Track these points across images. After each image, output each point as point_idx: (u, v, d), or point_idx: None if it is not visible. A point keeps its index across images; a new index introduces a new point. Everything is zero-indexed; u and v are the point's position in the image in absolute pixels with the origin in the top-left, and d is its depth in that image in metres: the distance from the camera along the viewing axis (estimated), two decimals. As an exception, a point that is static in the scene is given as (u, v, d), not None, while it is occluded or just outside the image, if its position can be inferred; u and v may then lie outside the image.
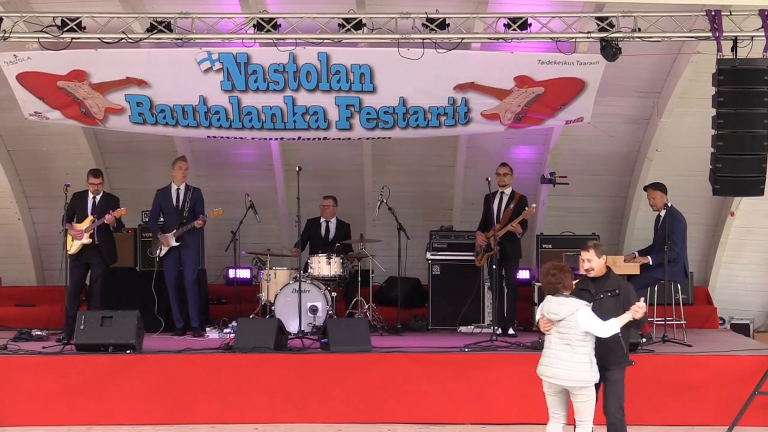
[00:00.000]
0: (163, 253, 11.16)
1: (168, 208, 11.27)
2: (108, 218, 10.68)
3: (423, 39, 10.09)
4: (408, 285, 12.37)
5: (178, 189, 11.29)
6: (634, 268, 10.39)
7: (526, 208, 11.22)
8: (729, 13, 9.77)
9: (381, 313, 11.76)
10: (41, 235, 13.39)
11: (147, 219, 11.65)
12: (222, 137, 11.65)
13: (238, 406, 9.15)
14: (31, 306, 12.61)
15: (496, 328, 10.54)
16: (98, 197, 10.95)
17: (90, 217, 10.80)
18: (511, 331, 11.06)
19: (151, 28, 10.11)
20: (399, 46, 10.13)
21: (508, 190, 11.45)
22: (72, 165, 12.73)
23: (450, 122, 11.26)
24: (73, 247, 10.71)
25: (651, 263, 10.42)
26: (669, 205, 10.64)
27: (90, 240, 10.72)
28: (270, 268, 11.47)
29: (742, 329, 12.34)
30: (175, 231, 11.07)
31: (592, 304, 7.02)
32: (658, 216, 10.69)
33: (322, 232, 12.26)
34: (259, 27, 10.13)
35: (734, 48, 9.84)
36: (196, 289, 11.21)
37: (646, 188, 11.10)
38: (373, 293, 11.90)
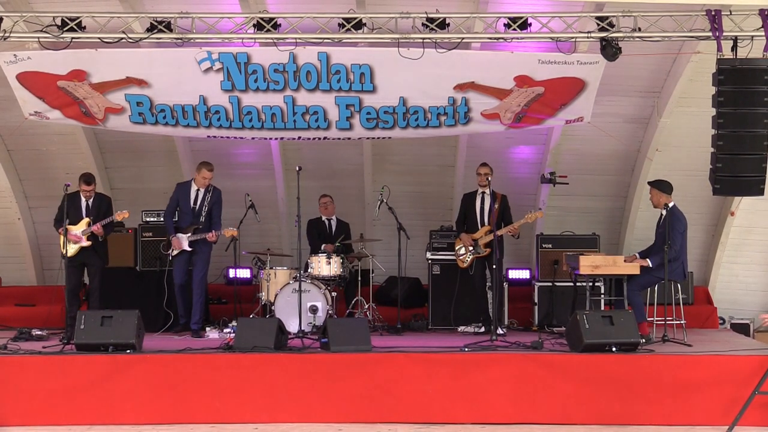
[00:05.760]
0: (175, 252, 11.15)
1: (185, 207, 11.19)
2: (95, 229, 10.69)
3: (423, 39, 10.10)
4: (408, 285, 12.37)
5: (198, 190, 11.22)
6: (634, 268, 10.38)
7: (530, 212, 11.16)
8: (729, 13, 9.78)
9: (381, 313, 11.77)
10: (41, 235, 13.39)
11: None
12: (222, 137, 11.65)
13: (238, 406, 9.14)
14: (31, 306, 12.62)
15: (492, 327, 10.53)
16: (91, 200, 10.94)
17: (86, 219, 10.80)
18: (500, 331, 10.86)
19: (151, 28, 10.12)
20: (399, 45, 10.14)
21: (488, 190, 11.34)
22: (72, 165, 12.74)
23: (450, 122, 11.26)
24: (71, 249, 10.70)
25: (651, 265, 10.40)
26: (671, 204, 10.60)
27: (89, 243, 10.74)
28: (270, 268, 11.46)
29: (742, 329, 12.33)
30: (189, 235, 11.05)
31: None
32: (660, 215, 10.68)
33: (327, 229, 12.31)
34: (259, 27, 10.14)
35: (734, 48, 9.84)
36: (201, 292, 11.20)
37: (649, 183, 11.07)
38: (373, 293, 11.91)
